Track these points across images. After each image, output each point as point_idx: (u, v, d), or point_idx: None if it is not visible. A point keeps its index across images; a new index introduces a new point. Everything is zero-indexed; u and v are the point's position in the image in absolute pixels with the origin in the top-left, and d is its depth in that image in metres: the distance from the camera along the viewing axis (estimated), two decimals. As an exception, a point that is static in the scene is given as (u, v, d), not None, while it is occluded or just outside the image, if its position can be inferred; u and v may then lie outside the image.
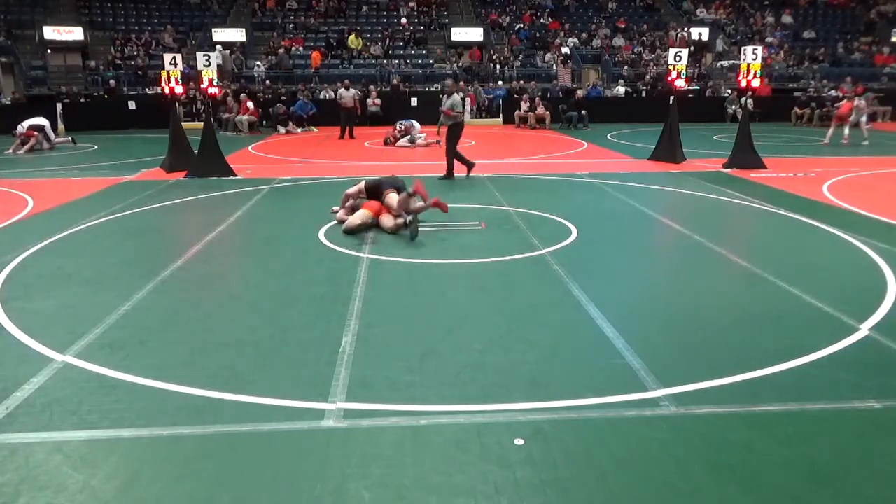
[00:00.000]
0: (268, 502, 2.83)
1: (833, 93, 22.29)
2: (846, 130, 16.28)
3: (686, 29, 26.94)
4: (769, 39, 27.37)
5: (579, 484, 2.93)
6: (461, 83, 23.66)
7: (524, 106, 21.47)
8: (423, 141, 16.66)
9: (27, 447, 3.22)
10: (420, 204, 7.47)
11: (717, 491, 2.88)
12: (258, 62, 24.84)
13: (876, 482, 2.95)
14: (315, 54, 25.10)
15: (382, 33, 27.18)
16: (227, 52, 24.32)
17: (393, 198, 7.54)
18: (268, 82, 23.44)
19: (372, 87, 22.30)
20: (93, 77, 23.90)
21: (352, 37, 26.05)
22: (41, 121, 16.35)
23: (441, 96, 12.33)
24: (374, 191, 7.85)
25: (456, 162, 11.40)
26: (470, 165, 11.48)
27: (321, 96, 22.55)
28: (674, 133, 13.10)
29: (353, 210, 7.90)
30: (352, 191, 8.06)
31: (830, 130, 16.57)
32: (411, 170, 11.66)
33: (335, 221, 8.00)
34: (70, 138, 17.15)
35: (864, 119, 16.43)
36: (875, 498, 2.85)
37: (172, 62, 12.76)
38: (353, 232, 7.42)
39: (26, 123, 15.94)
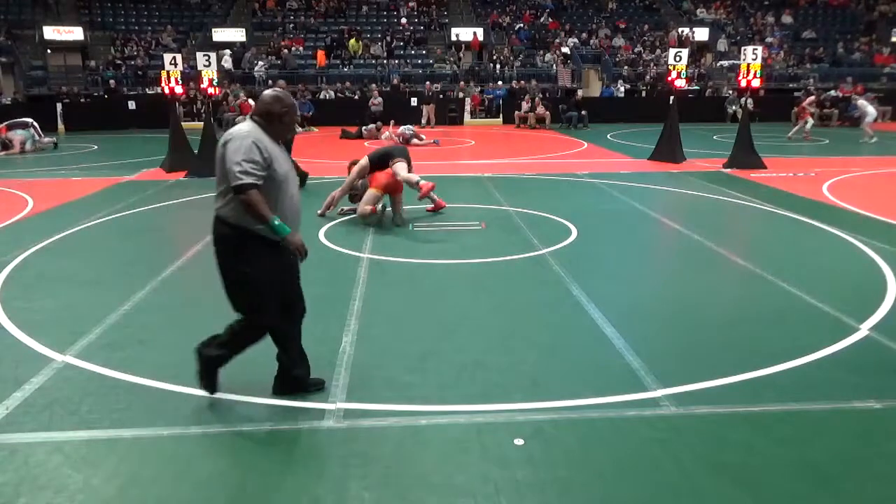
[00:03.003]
0: (268, 502, 2.83)
1: (833, 93, 22.30)
2: (807, 126, 16.93)
3: (691, 30, 26.91)
4: (769, 39, 27.35)
5: (579, 484, 2.93)
6: (461, 83, 23.69)
7: (524, 106, 21.47)
8: (418, 140, 16.81)
9: (27, 447, 3.22)
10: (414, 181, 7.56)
11: (717, 491, 2.88)
12: (258, 62, 24.82)
13: (876, 482, 2.94)
14: (320, 53, 25.14)
15: (382, 33, 27.19)
16: (228, 51, 24.33)
17: (403, 167, 7.55)
18: (270, 82, 23.42)
19: (373, 86, 22.29)
20: (93, 77, 23.89)
21: (352, 41, 26.06)
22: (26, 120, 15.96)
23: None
24: (382, 159, 7.72)
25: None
26: (304, 177, 10.12)
27: (321, 96, 22.61)
28: (674, 133, 13.09)
29: (356, 196, 7.86)
30: (352, 175, 7.83)
31: (802, 125, 17.13)
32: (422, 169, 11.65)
33: (337, 221, 7.98)
34: (53, 140, 16.67)
35: (869, 119, 16.51)
36: (875, 498, 2.85)
37: (172, 62, 12.75)
38: (367, 216, 7.42)
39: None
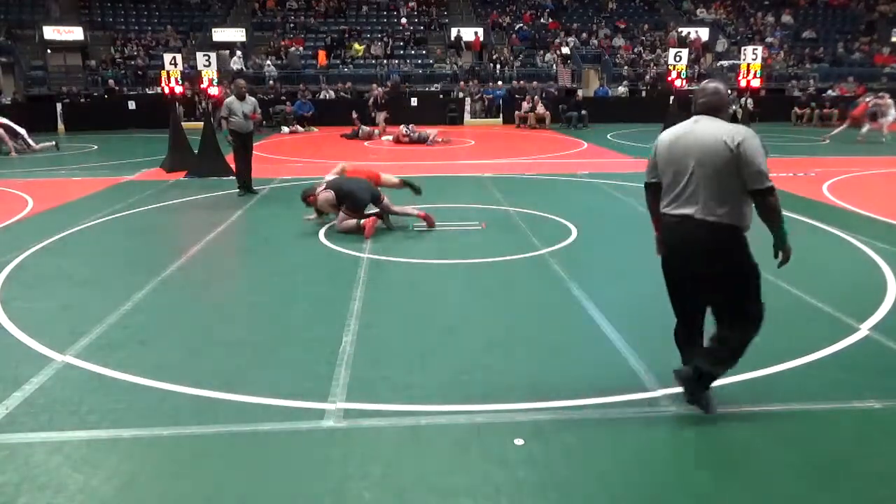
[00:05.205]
0: (268, 502, 2.83)
1: (832, 92, 22.28)
2: (864, 129, 16.38)
3: (695, 32, 26.92)
4: (769, 39, 27.35)
5: (579, 484, 2.93)
6: (462, 83, 23.65)
7: (524, 106, 21.47)
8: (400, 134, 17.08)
9: (27, 447, 3.22)
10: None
11: (717, 491, 2.88)
12: (269, 59, 24.82)
13: (876, 482, 2.94)
14: (321, 53, 25.15)
15: (382, 33, 27.19)
16: (238, 52, 24.35)
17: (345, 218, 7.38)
18: (271, 82, 23.42)
19: (374, 85, 22.27)
20: (93, 77, 23.89)
21: (355, 45, 26.09)
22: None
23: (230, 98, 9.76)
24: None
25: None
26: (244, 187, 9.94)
27: (322, 96, 22.62)
28: (674, 133, 13.06)
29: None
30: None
31: (864, 129, 16.40)
32: (422, 169, 11.67)
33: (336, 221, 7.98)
34: (54, 142, 16.41)
35: (889, 118, 16.27)
36: (875, 498, 2.85)
37: (172, 62, 12.76)
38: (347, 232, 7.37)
39: None
